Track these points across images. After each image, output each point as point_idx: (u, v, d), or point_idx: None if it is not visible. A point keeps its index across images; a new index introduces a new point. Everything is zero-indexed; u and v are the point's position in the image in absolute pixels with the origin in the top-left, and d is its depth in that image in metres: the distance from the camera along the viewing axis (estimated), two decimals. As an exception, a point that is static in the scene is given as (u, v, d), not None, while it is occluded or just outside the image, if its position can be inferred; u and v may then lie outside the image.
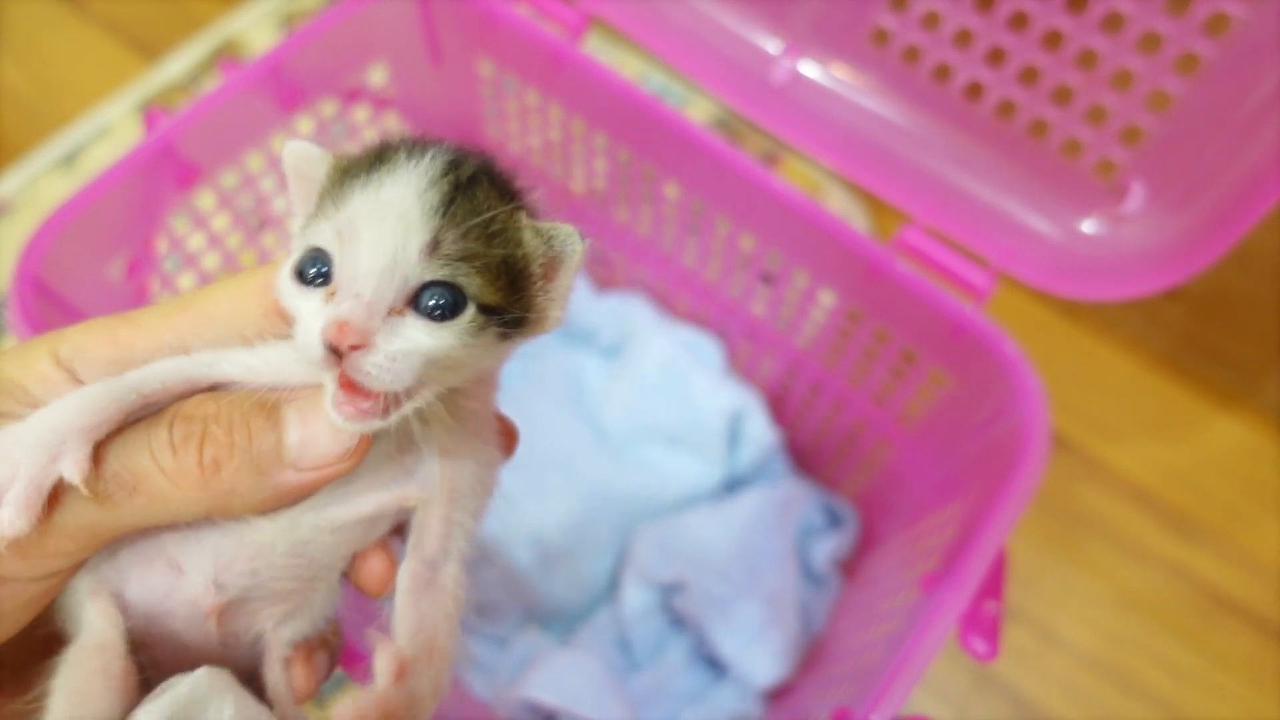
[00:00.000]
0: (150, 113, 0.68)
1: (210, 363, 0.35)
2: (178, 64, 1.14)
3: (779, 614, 0.76)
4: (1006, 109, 0.62)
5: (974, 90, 0.63)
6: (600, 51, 1.12)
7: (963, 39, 0.62)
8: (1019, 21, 0.59)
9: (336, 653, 0.41)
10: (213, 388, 0.35)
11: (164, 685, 0.33)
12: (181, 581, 0.36)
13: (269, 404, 0.33)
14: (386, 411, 0.32)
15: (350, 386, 0.31)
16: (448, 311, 0.32)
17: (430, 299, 0.31)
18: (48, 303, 0.60)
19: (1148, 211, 0.60)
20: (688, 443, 0.86)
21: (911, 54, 0.65)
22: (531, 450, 0.85)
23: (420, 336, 0.31)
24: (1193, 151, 0.57)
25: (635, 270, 0.91)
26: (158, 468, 0.32)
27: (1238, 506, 0.92)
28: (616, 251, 0.91)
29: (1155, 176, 0.59)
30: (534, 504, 0.83)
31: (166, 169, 0.68)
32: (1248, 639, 0.85)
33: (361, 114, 0.84)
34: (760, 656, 0.74)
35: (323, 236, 0.32)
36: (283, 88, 0.73)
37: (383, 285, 0.31)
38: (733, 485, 0.87)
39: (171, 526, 0.35)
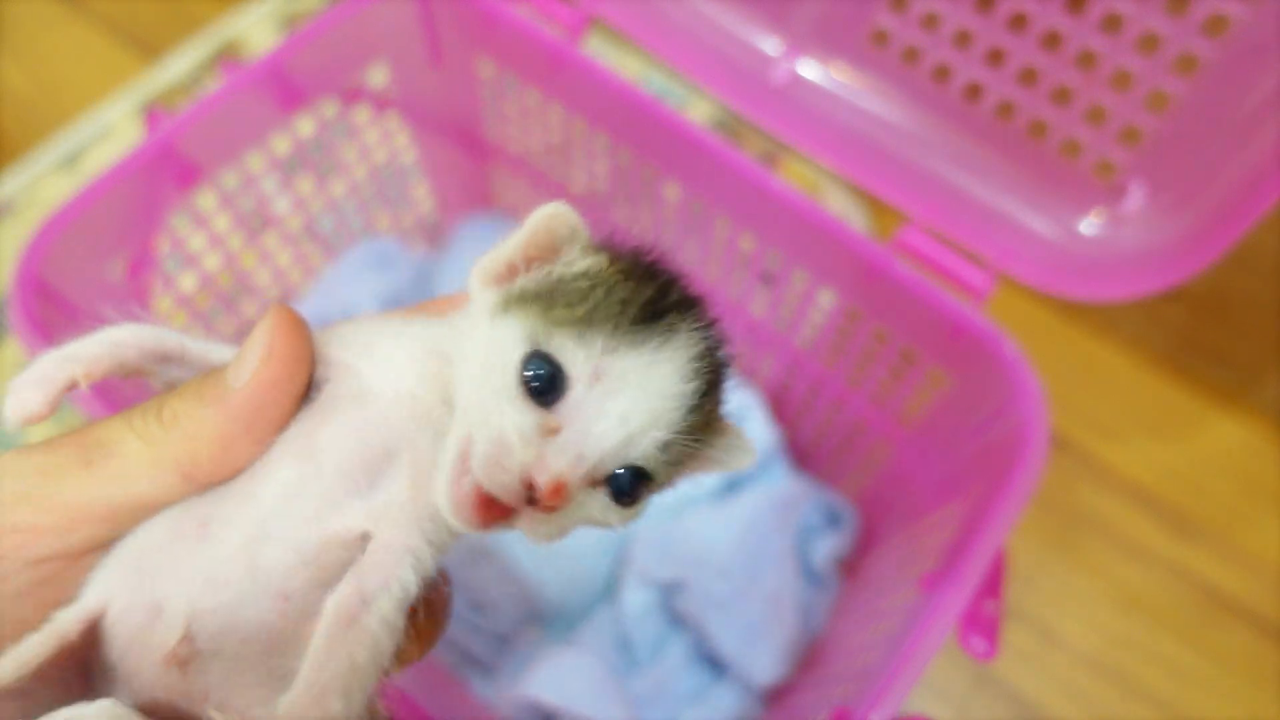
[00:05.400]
0: (151, 113, 0.68)
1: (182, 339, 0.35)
2: (178, 64, 1.14)
3: (779, 613, 0.76)
4: (1006, 109, 0.63)
5: (973, 91, 0.63)
6: (600, 52, 1.12)
7: (962, 39, 0.62)
8: (1018, 22, 0.59)
9: None
10: None
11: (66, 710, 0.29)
12: (157, 625, 0.31)
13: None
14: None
15: (488, 502, 0.29)
16: (631, 499, 0.30)
17: (623, 484, 0.30)
18: (49, 303, 0.60)
19: (1147, 211, 0.60)
20: (688, 442, 0.86)
21: (911, 54, 0.65)
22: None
23: (596, 513, 0.30)
24: (1193, 151, 0.57)
25: (635, 270, 0.91)
26: (130, 428, 0.33)
27: (1238, 506, 0.92)
28: (617, 252, 0.91)
29: (1155, 176, 0.59)
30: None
31: (167, 169, 0.68)
32: (1248, 639, 0.85)
33: (362, 114, 0.84)
34: (760, 656, 0.75)
35: (571, 357, 0.30)
36: (283, 88, 0.73)
37: (610, 459, 0.29)
38: (733, 485, 0.87)
39: (161, 559, 0.32)
